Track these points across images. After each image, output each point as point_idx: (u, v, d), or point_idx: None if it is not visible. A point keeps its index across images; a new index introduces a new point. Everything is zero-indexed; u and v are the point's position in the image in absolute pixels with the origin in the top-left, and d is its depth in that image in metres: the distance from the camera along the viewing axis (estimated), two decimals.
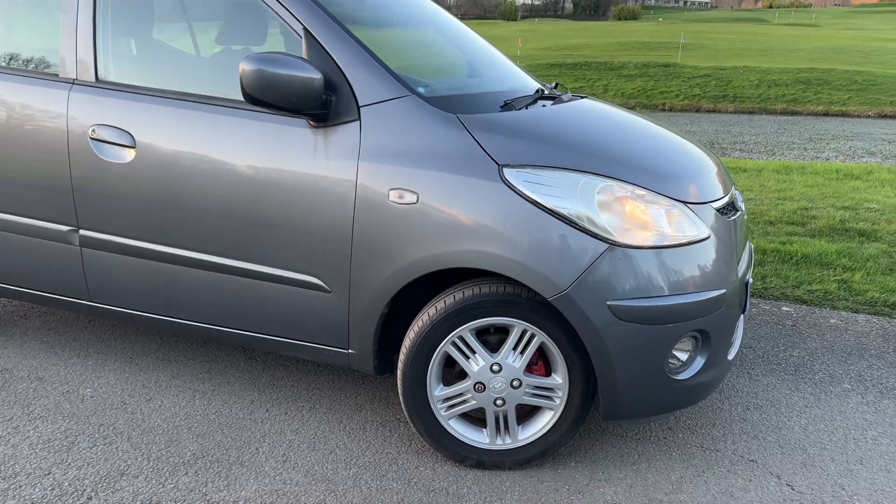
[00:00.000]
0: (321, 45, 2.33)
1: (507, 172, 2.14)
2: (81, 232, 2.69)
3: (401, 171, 2.23)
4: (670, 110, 28.90)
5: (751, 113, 29.00)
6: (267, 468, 2.34)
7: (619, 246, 2.10)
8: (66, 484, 2.24)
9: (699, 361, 2.27)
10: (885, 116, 26.96)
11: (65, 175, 2.64)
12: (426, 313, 2.28)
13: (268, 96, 2.20)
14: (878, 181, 6.48)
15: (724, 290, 2.25)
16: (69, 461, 2.35)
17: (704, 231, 2.23)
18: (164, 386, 2.85)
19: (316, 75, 2.22)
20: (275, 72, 2.18)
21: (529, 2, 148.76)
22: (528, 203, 2.11)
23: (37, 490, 2.21)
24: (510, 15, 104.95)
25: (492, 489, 2.25)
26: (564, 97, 2.85)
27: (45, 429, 2.54)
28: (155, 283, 2.63)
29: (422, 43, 3.37)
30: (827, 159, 13.66)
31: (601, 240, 2.09)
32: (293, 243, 2.38)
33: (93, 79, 2.62)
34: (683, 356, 2.26)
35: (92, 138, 2.57)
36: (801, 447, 2.51)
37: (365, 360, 2.44)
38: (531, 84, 3.02)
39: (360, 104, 2.29)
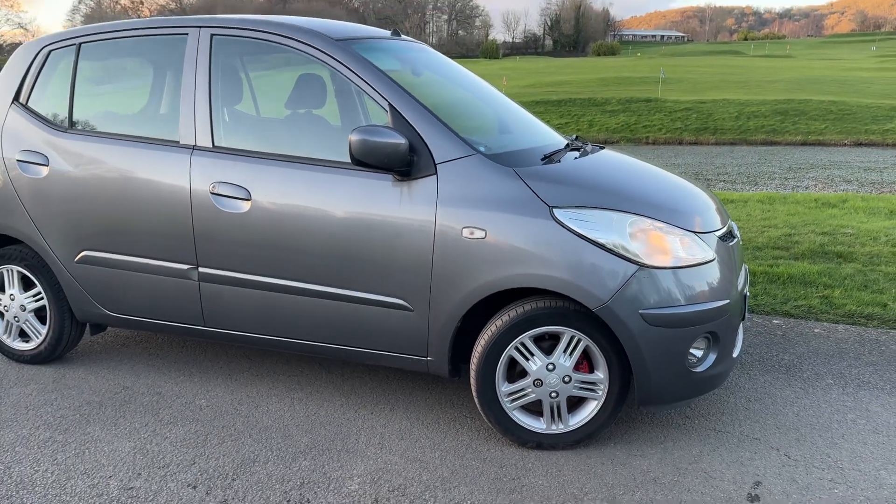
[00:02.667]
0: (404, 117, 2.95)
1: (557, 212, 2.76)
2: (200, 269, 3.27)
3: (471, 214, 2.84)
4: (654, 144, 29.87)
5: (732, 144, 30.02)
6: (369, 453, 2.91)
7: (646, 267, 2.71)
8: (211, 470, 2.80)
9: (711, 357, 2.87)
10: (860, 144, 28.03)
11: (187, 223, 3.24)
12: (494, 325, 2.88)
13: (369, 159, 2.82)
14: (853, 209, 7.18)
15: (728, 301, 2.87)
16: (207, 454, 2.91)
17: (710, 254, 2.85)
18: (265, 395, 3.42)
19: (402, 141, 2.84)
20: (374, 140, 2.81)
21: (510, 40, 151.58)
22: (574, 235, 2.73)
23: (188, 475, 2.77)
24: (492, 53, 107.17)
25: (551, 464, 2.83)
26: (588, 148, 3.49)
27: (178, 431, 3.10)
28: (264, 308, 3.21)
29: (458, 102, 3.98)
30: (807, 188, 14.46)
31: (632, 262, 2.70)
32: (382, 272, 2.98)
33: (210, 145, 3.23)
34: (699, 353, 2.86)
35: (212, 193, 3.17)
36: (794, 427, 3.11)
37: (441, 366, 3.03)
38: (558, 138, 3.64)
39: (436, 162, 2.91)
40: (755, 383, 3.54)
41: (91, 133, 3.47)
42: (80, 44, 3.57)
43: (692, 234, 2.84)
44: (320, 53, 3.14)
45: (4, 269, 3.69)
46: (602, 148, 3.58)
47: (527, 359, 2.87)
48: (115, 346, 4.05)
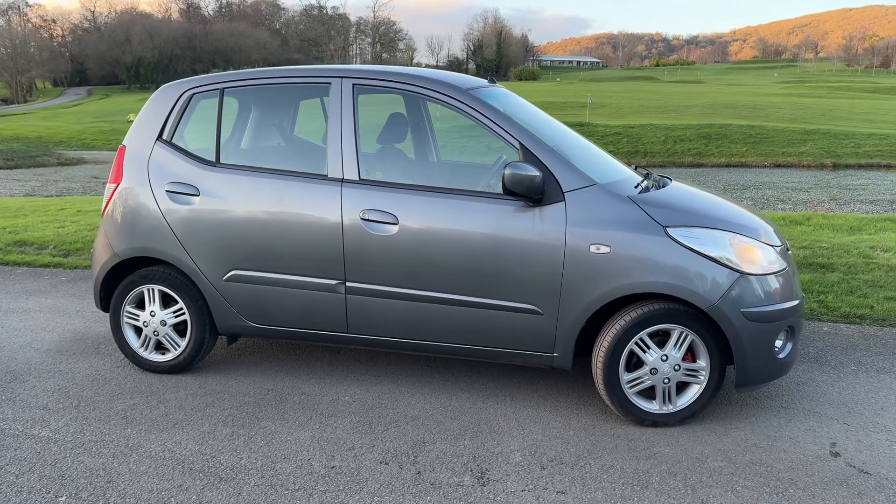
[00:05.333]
0: (533, 154, 3.57)
1: (671, 231, 3.43)
2: (348, 283, 3.78)
3: (597, 233, 3.47)
4: None
5: (662, 166, 31.72)
6: (514, 433, 3.49)
7: (744, 274, 3.41)
8: (393, 450, 3.32)
9: (789, 346, 3.59)
10: (779, 166, 30.17)
11: (337, 244, 3.75)
12: (617, 324, 3.50)
13: (517, 188, 3.43)
14: (818, 226, 8.17)
15: (798, 301, 3.59)
16: (381, 437, 3.43)
17: (784, 264, 3.58)
18: (396, 392, 3.94)
19: (538, 174, 3.46)
20: (520, 173, 3.42)
21: (434, 64, 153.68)
22: (686, 249, 3.40)
23: (376, 454, 3.28)
24: None
25: (669, 437, 3.47)
26: (660, 179, 4.17)
27: (342, 422, 3.60)
28: (407, 316, 3.75)
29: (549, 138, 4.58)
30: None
31: (734, 270, 3.39)
32: (517, 283, 3.57)
33: (357, 178, 3.76)
34: (780, 343, 3.56)
35: (363, 219, 3.70)
36: (842, 403, 3.85)
37: (566, 360, 3.63)
38: (630, 171, 4.30)
39: (564, 191, 3.53)
40: (796, 371, 4.29)
41: (241, 167, 3.95)
42: (224, 89, 4.05)
43: (769, 247, 3.56)
44: (453, 101, 3.74)
45: (145, 288, 4.10)
46: (670, 179, 4.27)
47: (644, 351, 3.51)
48: (234, 356, 4.48)
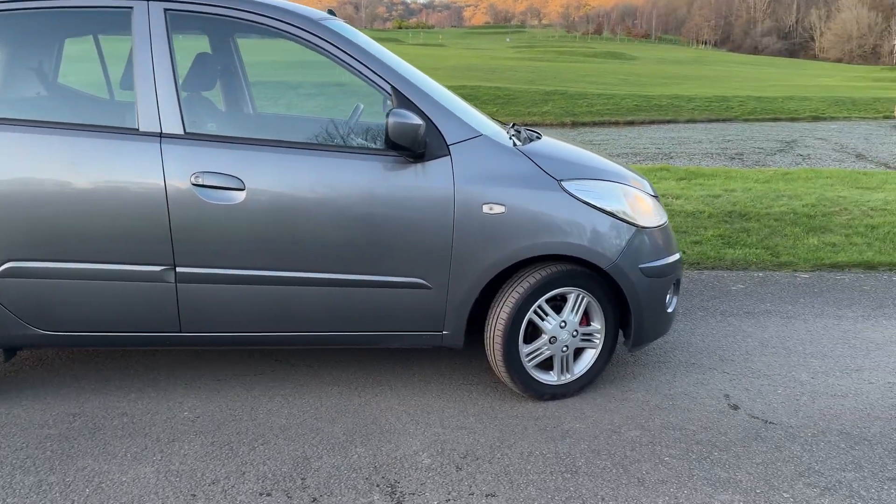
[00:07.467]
0: (410, 100, 3.00)
1: (565, 184, 3.07)
2: (178, 269, 2.96)
3: (489, 191, 3.01)
4: None
5: None
6: (410, 430, 2.96)
7: (640, 228, 3.16)
8: (270, 475, 2.63)
9: (675, 300, 3.43)
10: (527, 125, 31.95)
11: (160, 219, 2.90)
12: (515, 291, 3.09)
13: (403, 140, 2.85)
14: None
15: (680, 253, 3.44)
16: (250, 461, 2.72)
17: (665, 216, 3.40)
18: (248, 398, 3.21)
19: (422, 123, 2.91)
20: (407, 122, 2.84)
21: None
22: (583, 204, 3.06)
23: (251, 485, 2.58)
24: None
25: (573, 410, 3.16)
26: (530, 132, 3.77)
27: (190, 446, 2.82)
28: (261, 304, 3.03)
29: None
30: None
31: (631, 224, 3.13)
32: (401, 255, 3.02)
33: (181, 132, 2.93)
34: (668, 297, 3.39)
35: (195, 185, 2.90)
36: (710, 351, 3.81)
37: (457, 338, 3.17)
38: (497, 124, 3.84)
39: (448, 143, 3.02)
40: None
41: (7, 121, 2.90)
42: None
43: (656, 199, 3.36)
44: (307, 34, 3.05)
45: None
46: (538, 132, 3.89)
47: (542, 319, 3.15)
48: (11, 377, 3.41)
